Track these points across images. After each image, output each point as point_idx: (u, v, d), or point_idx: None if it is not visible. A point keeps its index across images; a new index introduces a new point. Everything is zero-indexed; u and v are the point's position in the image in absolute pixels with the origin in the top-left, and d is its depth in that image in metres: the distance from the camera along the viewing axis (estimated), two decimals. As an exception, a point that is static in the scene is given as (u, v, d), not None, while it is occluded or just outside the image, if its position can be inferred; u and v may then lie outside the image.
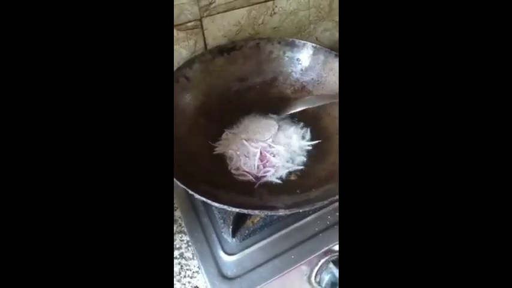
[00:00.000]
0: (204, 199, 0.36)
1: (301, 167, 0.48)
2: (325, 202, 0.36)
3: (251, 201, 0.42)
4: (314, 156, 0.50)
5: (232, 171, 0.48)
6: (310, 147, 0.50)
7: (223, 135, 0.52)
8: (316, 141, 0.50)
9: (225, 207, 0.36)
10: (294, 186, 0.46)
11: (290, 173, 0.48)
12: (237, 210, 0.36)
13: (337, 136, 0.48)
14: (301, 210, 0.37)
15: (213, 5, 0.54)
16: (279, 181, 0.47)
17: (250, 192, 0.44)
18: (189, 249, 0.47)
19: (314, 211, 0.47)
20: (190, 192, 0.36)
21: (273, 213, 0.39)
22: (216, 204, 0.36)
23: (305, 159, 0.49)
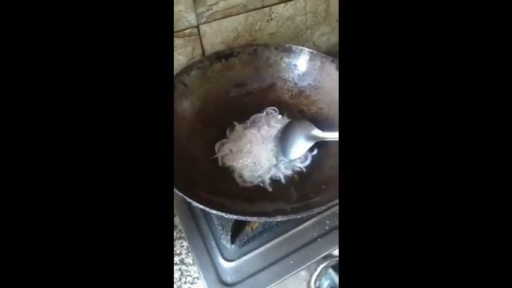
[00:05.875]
0: (202, 206, 0.36)
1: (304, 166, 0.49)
2: (323, 208, 0.36)
3: (250, 208, 0.42)
4: (312, 161, 0.50)
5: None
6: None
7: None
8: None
9: (223, 214, 0.36)
10: (292, 192, 0.46)
11: (290, 176, 0.48)
12: (235, 217, 0.36)
13: (335, 141, 0.48)
14: (298, 217, 0.37)
15: (211, 11, 0.54)
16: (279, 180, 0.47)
17: (250, 199, 0.44)
18: (189, 255, 0.47)
19: (312, 216, 0.47)
20: (188, 199, 0.36)
21: (271, 220, 0.39)
22: (214, 212, 0.36)
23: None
